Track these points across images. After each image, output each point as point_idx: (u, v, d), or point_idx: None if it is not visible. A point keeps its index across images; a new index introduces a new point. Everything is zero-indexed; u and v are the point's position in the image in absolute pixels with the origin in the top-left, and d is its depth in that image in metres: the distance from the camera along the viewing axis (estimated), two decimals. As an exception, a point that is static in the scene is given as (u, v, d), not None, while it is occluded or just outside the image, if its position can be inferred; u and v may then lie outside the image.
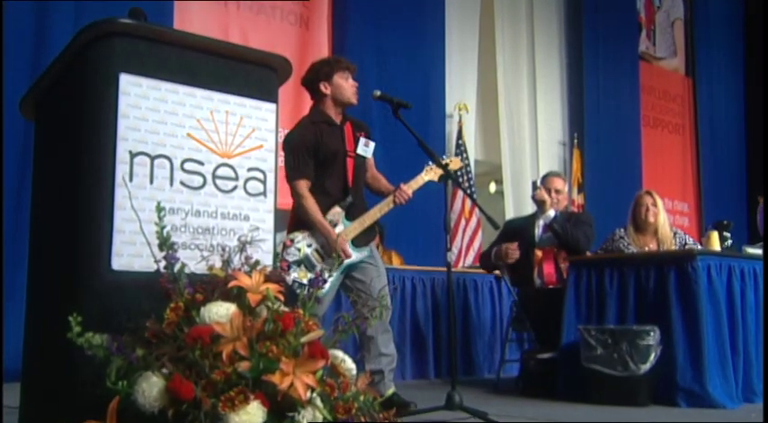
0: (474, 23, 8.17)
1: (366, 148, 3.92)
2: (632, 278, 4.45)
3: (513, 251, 4.97)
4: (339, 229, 3.76)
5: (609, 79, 9.17)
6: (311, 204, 3.71)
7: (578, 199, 8.59)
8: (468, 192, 7.35)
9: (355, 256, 3.77)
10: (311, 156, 3.76)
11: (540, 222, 5.12)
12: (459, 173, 7.35)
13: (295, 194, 3.74)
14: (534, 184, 5.15)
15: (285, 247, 3.67)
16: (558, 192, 5.12)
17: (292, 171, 3.76)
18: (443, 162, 3.95)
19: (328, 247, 3.69)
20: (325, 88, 3.87)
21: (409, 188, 3.90)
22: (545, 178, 5.21)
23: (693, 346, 4.16)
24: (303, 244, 3.71)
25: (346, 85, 3.86)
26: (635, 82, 9.60)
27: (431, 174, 3.98)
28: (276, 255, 3.61)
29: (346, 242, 3.75)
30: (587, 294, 4.61)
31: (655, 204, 5.08)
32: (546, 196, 5.05)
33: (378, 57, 6.96)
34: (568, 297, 4.64)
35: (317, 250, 3.72)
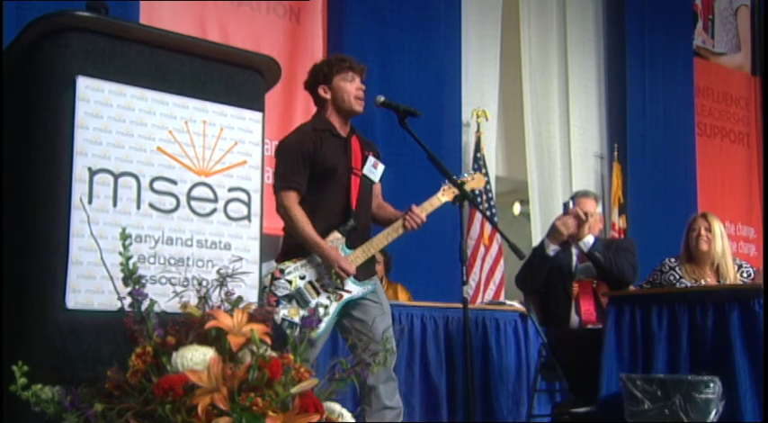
0: (495, 15, 8.20)
1: (374, 170, 3.93)
2: (686, 317, 4.44)
3: (568, 221, 4.94)
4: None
5: (657, 80, 9.19)
6: (300, 217, 3.70)
7: (619, 222, 8.58)
8: (488, 214, 7.36)
9: (356, 291, 3.77)
10: (306, 165, 3.76)
11: (575, 250, 5.11)
12: (477, 192, 7.35)
13: (281, 207, 3.74)
14: (566, 206, 5.12)
15: (274, 278, 3.67)
16: (587, 214, 5.11)
17: (281, 179, 3.76)
18: (461, 180, 3.95)
19: (325, 274, 3.69)
20: (324, 93, 3.90)
21: (422, 211, 3.90)
22: (573, 199, 5.20)
23: (763, 400, 4.14)
24: (295, 275, 3.71)
25: (348, 89, 3.87)
26: (689, 82, 9.60)
27: (448, 194, 3.99)
28: (263, 288, 3.62)
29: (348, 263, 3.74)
30: (631, 336, 4.60)
31: (710, 229, 5.07)
32: (567, 227, 4.98)
33: (381, 55, 6.98)
34: (608, 339, 4.63)
35: (311, 283, 3.71)
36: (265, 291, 3.63)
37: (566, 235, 4.94)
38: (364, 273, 3.83)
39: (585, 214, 5.03)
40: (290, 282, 3.69)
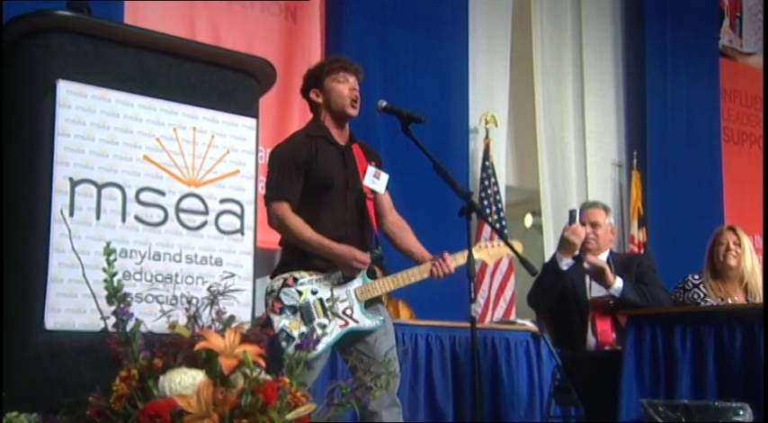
0: (505, 13, 8.20)
1: (376, 181, 3.93)
2: (711, 339, 4.43)
3: (578, 229, 4.92)
4: (356, 283, 3.76)
5: (679, 82, 9.18)
6: (297, 223, 3.68)
7: (639, 235, 8.56)
8: (497, 226, 7.35)
9: (363, 323, 3.75)
10: (300, 175, 3.76)
11: (588, 264, 5.10)
12: (486, 203, 7.35)
13: (273, 219, 3.73)
14: (572, 214, 5.08)
15: (285, 284, 3.66)
16: (595, 225, 5.10)
17: (271, 189, 3.75)
18: (479, 246, 4.02)
19: (339, 297, 3.68)
20: (316, 96, 3.90)
21: (454, 261, 3.90)
22: (580, 210, 5.19)
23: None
24: (308, 288, 3.69)
25: (340, 90, 3.87)
26: (714, 85, 9.59)
27: (483, 253, 4.04)
28: (270, 291, 3.63)
29: (358, 303, 3.75)
30: (652, 359, 4.59)
31: (738, 243, 5.07)
32: (577, 235, 4.97)
33: (383, 56, 6.99)
34: (627, 362, 4.62)
35: (321, 302, 3.70)
36: (271, 294, 3.65)
37: (578, 245, 4.92)
38: (375, 310, 3.83)
39: (593, 225, 5.04)
40: (300, 293, 3.67)
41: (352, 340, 3.79)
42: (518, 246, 4.06)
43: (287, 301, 3.64)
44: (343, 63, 3.93)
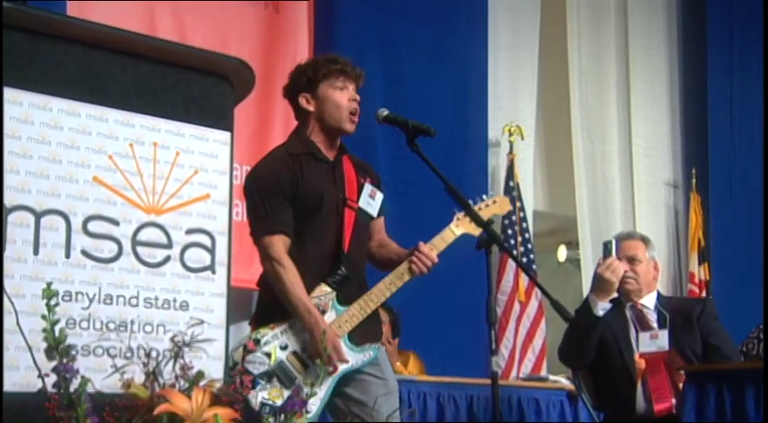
0: (533, 6, 8.26)
1: (371, 201, 3.94)
2: (791, 400, 4.43)
3: (614, 264, 4.85)
4: (328, 317, 3.77)
5: (748, 86, 9.18)
6: (291, 275, 3.69)
7: (699, 272, 8.54)
8: (524, 261, 7.35)
9: (354, 360, 3.76)
10: (286, 200, 3.76)
11: (630, 311, 5.09)
12: (510, 232, 7.35)
13: (265, 258, 3.74)
14: (606, 246, 5.03)
15: (247, 351, 3.66)
16: (633, 261, 5.09)
17: (261, 223, 3.75)
18: (478, 206, 3.96)
19: (313, 346, 3.68)
20: (306, 103, 3.90)
21: (432, 249, 3.89)
22: (616, 241, 5.15)
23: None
24: (275, 346, 3.70)
25: (338, 100, 3.87)
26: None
27: (464, 225, 3.98)
28: (234, 365, 3.61)
29: (340, 338, 3.75)
30: (717, 424, 4.59)
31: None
32: (613, 272, 4.94)
33: (384, 54, 7.01)
34: (687, 429, 4.62)
35: (296, 355, 3.70)
36: (236, 367, 3.63)
37: (616, 284, 4.88)
38: (363, 335, 3.82)
39: (631, 260, 5.00)
40: (268, 354, 3.67)
41: (347, 394, 3.79)
42: (501, 204, 4.07)
43: (256, 369, 3.62)
44: (344, 66, 3.92)
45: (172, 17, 6.14)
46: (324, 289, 3.77)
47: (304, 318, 3.69)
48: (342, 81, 3.88)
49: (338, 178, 3.89)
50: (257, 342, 3.69)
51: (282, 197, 3.75)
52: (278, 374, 3.67)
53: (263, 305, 3.85)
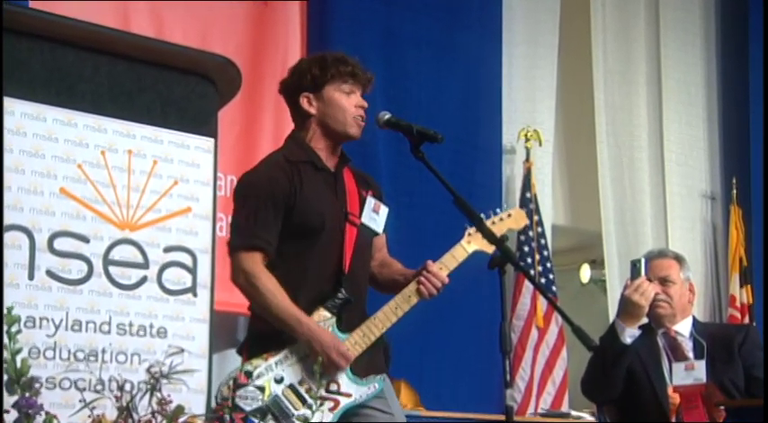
0: (552, 0, 8.26)
1: (375, 217, 3.94)
2: None
3: (644, 286, 4.80)
4: None
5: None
6: (269, 285, 3.67)
7: (741, 295, 8.51)
8: (542, 281, 7.35)
9: (358, 394, 3.76)
10: (279, 214, 3.76)
11: (663, 339, 5.08)
12: (527, 249, 7.35)
13: (238, 274, 3.69)
14: (635, 266, 5.00)
15: (238, 385, 3.64)
16: (665, 282, 5.07)
17: (239, 234, 3.73)
18: (491, 220, 3.96)
19: (313, 357, 3.66)
20: (308, 104, 3.90)
21: (442, 268, 3.90)
22: (646, 260, 5.13)
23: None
24: (269, 379, 3.68)
25: (344, 105, 3.88)
26: None
27: (477, 241, 3.98)
28: (222, 400, 3.60)
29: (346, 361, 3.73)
30: (761, 468, 4.57)
31: None
32: (642, 294, 4.91)
33: (387, 51, 7.02)
34: (728, 472, 4.60)
35: (292, 388, 3.69)
36: (224, 405, 3.61)
37: (646, 308, 4.86)
38: (367, 365, 3.83)
39: (663, 281, 4.97)
40: (261, 388, 3.66)
41: (350, 418, 3.79)
42: (517, 218, 4.09)
43: (248, 405, 3.60)
44: (354, 68, 3.93)
45: (148, 11, 6.13)
46: (322, 314, 3.77)
47: (294, 328, 3.69)
48: (350, 85, 3.90)
49: (339, 191, 3.88)
50: (249, 375, 3.67)
51: (273, 209, 3.74)
52: (273, 411, 3.65)
53: (255, 332, 3.83)
